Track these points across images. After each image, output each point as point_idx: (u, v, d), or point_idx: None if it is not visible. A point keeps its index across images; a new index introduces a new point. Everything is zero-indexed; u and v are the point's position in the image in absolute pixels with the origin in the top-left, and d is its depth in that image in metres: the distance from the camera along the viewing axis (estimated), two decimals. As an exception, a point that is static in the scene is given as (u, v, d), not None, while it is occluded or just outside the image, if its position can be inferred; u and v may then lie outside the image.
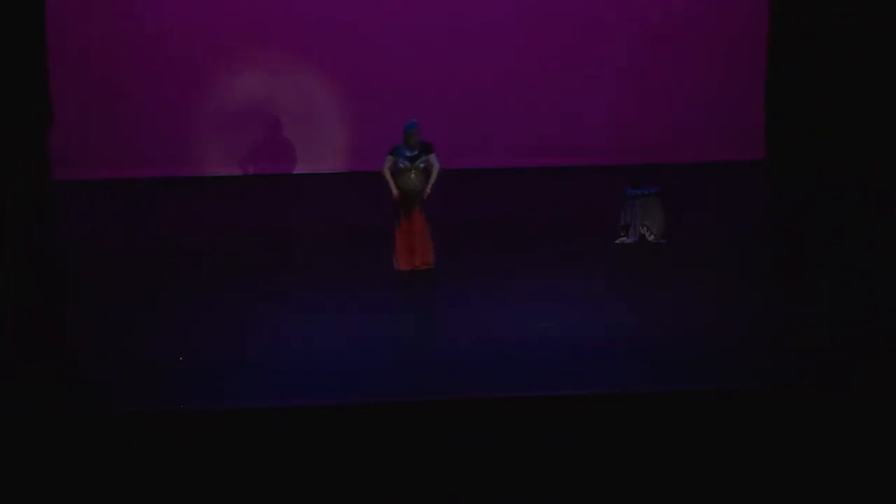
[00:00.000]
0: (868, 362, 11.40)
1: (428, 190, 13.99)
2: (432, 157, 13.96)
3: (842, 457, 10.40)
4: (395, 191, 13.94)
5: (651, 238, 15.15)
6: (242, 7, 18.61)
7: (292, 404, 10.74)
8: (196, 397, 10.99)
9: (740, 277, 14.25)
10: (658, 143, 18.86)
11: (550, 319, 12.61)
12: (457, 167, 18.23)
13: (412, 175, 13.92)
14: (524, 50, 18.81)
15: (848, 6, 16.75)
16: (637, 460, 10.38)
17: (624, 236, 15.19)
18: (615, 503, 10.21)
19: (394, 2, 18.72)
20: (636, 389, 10.93)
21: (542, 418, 10.60)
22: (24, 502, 10.16)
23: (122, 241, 15.80)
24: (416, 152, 13.91)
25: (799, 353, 11.67)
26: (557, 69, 18.83)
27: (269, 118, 18.79)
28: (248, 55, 18.66)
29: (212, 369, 11.58)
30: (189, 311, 13.15)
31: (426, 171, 13.96)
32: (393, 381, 11.34)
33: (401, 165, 13.93)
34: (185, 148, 18.75)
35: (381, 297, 13.70)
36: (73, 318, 13.53)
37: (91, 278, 14.48)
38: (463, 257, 14.79)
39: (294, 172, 18.86)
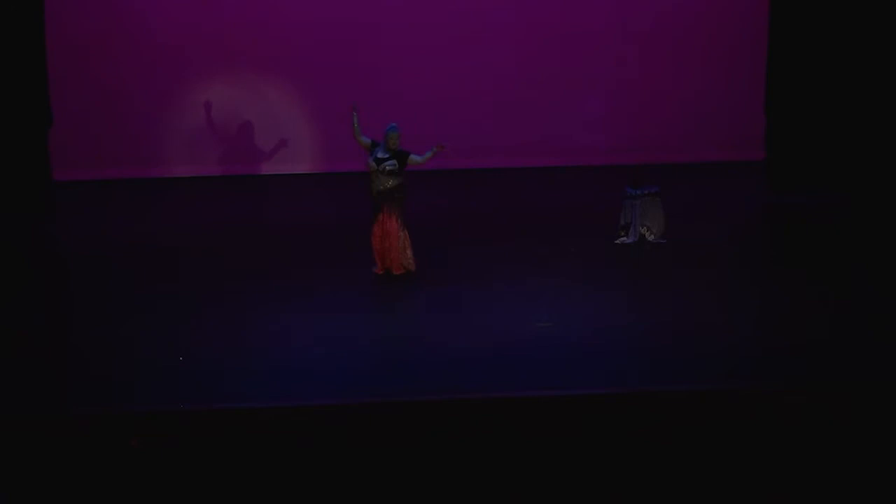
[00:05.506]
0: (868, 362, 11.41)
1: (429, 156, 13.84)
2: (413, 157, 13.77)
3: (842, 457, 10.40)
4: (359, 136, 13.80)
5: (651, 238, 15.16)
6: (242, 7, 18.62)
7: (291, 404, 10.75)
8: (196, 397, 11.00)
9: (740, 278, 14.25)
10: (658, 143, 18.88)
11: (550, 319, 12.62)
12: (456, 167, 18.33)
13: (377, 177, 13.81)
14: (524, 50, 18.81)
15: (848, 6, 16.73)
16: (636, 460, 10.39)
17: (624, 236, 15.19)
18: (614, 503, 10.21)
19: (391, 2, 18.72)
20: (636, 389, 10.93)
21: (542, 418, 10.60)
22: (25, 502, 10.16)
23: (122, 241, 15.81)
24: (387, 155, 13.80)
25: (799, 352, 11.68)
26: (557, 69, 18.84)
27: (269, 118, 18.79)
28: (249, 55, 18.67)
29: (212, 369, 11.58)
30: (189, 310, 13.16)
31: (393, 176, 13.77)
32: (393, 381, 11.35)
33: (369, 164, 13.81)
34: (185, 148, 18.76)
35: (381, 296, 13.72)
36: (72, 318, 13.54)
37: (91, 278, 14.48)
38: (462, 257, 14.80)
39: (297, 172, 18.88)
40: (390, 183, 13.78)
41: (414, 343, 12.30)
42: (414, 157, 13.77)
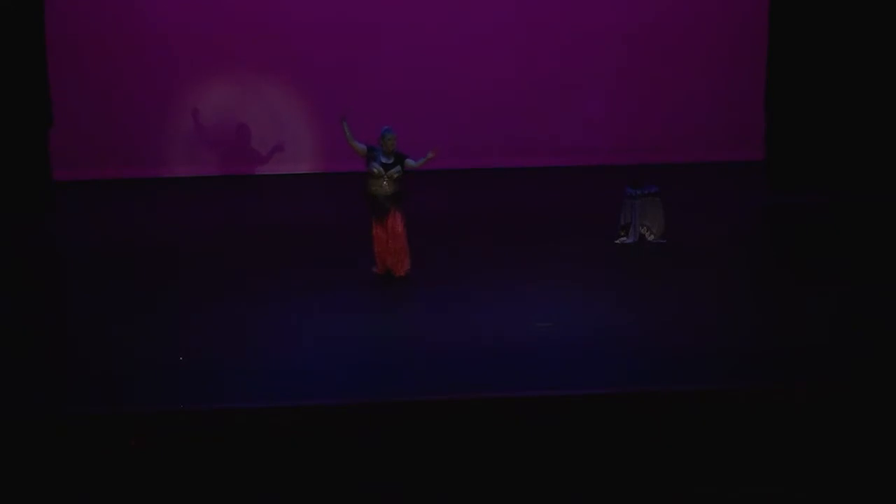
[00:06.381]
0: (868, 362, 11.40)
1: (422, 162, 13.79)
2: (408, 162, 13.76)
3: (841, 457, 10.40)
4: (353, 143, 13.80)
5: (651, 238, 15.16)
6: (243, 8, 18.62)
7: (291, 404, 10.75)
8: (196, 397, 10.99)
9: (740, 277, 14.26)
10: (658, 143, 18.87)
11: (549, 319, 12.62)
12: (456, 167, 18.33)
13: (384, 182, 13.78)
14: (524, 50, 18.81)
15: (848, 6, 16.73)
16: (636, 460, 10.39)
17: (624, 236, 15.19)
18: (614, 503, 10.21)
19: (391, 2, 18.73)
20: (636, 389, 10.93)
21: (542, 418, 10.60)
22: (25, 502, 10.16)
23: (121, 241, 15.81)
24: (391, 160, 13.77)
25: (799, 352, 11.68)
26: (557, 69, 18.84)
27: (269, 118, 18.80)
28: (249, 55, 18.67)
29: (212, 369, 11.58)
30: (189, 310, 13.16)
31: (399, 181, 13.80)
32: (393, 381, 11.35)
33: (374, 170, 13.77)
34: (185, 148, 18.76)
35: (381, 296, 13.71)
36: (72, 317, 13.54)
37: (91, 278, 14.49)
38: (462, 257, 14.81)
39: (297, 172, 18.88)
40: (396, 187, 13.77)
41: (414, 343, 12.29)
42: (409, 162, 13.75)
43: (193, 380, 11.35)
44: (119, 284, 14.05)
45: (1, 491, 10.15)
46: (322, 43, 18.64)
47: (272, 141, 18.87)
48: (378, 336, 12.51)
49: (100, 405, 10.82)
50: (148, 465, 10.32)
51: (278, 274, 14.29)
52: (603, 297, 13.42)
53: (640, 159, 18.52)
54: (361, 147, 13.78)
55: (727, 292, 13.60)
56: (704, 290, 13.58)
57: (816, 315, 12.76)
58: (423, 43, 18.73)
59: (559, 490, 10.21)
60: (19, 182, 16.81)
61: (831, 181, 16.99)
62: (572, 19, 18.77)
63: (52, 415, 10.63)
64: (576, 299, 13.32)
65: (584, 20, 18.77)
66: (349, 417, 10.64)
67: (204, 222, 16.82)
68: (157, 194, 18.13)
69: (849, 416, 10.65)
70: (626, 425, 10.59)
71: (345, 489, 10.24)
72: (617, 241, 15.18)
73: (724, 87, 18.86)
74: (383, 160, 13.73)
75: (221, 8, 18.60)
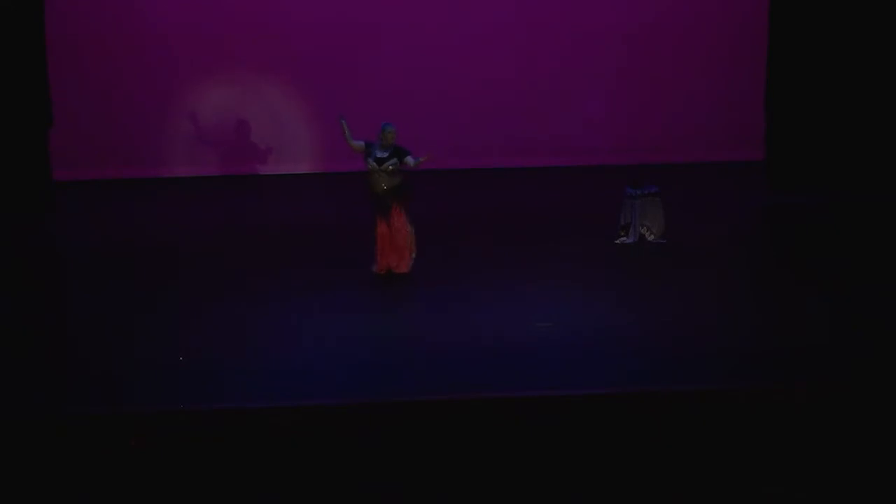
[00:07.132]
0: (868, 362, 11.40)
1: (418, 162, 13.74)
2: (408, 159, 13.74)
3: (841, 457, 10.40)
4: (351, 142, 13.78)
5: (651, 238, 15.16)
6: (242, 7, 18.62)
7: (291, 404, 10.75)
8: (196, 397, 10.99)
9: (740, 277, 14.25)
10: (658, 143, 18.88)
11: (549, 319, 12.61)
12: (456, 167, 18.34)
13: (379, 177, 13.76)
14: (524, 50, 18.82)
15: (848, 6, 16.74)
16: (636, 460, 10.39)
17: (624, 236, 15.19)
18: (614, 503, 10.22)
19: (391, 2, 18.73)
20: (636, 389, 10.93)
21: (542, 418, 10.60)
22: (25, 503, 10.16)
23: (121, 241, 15.81)
24: (386, 154, 13.77)
25: (799, 352, 11.67)
26: (557, 69, 18.84)
27: (269, 118, 18.80)
28: (249, 55, 18.67)
29: (212, 369, 11.58)
30: (189, 310, 13.16)
31: (395, 174, 13.77)
32: (393, 381, 11.35)
33: (370, 166, 13.77)
34: (185, 148, 18.76)
35: (381, 296, 13.71)
36: (72, 318, 13.54)
37: (91, 278, 14.48)
38: (462, 257, 14.81)
39: (297, 172, 18.88)
40: (394, 181, 13.76)
41: (414, 343, 12.29)
42: (409, 159, 13.72)
43: (193, 380, 11.35)
44: (119, 284, 14.05)
45: (1, 491, 10.15)
46: (322, 43, 18.65)
47: (272, 141, 18.88)
48: (378, 336, 12.51)
49: (100, 405, 10.82)
50: (148, 465, 10.32)
51: (278, 274, 14.29)
52: (603, 297, 13.42)
53: (640, 159, 18.53)
54: (360, 144, 13.78)
55: (727, 292, 13.60)
56: (704, 290, 13.58)
57: (816, 315, 12.76)
58: (423, 43, 18.74)
59: (559, 490, 10.21)
60: (19, 182, 16.82)
61: (831, 181, 16.99)
62: (572, 19, 18.78)
63: (52, 415, 10.63)
64: (576, 299, 13.32)
65: (584, 20, 18.78)
66: (349, 417, 10.64)
67: (204, 222, 16.83)
68: (157, 194, 18.14)
69: (849, 416, 10.65)
70: (626, 425, 10.58)
71: (345, 489, 10.24)
72: (617, 241, 15.18)
73: (724, 87, 18.86)
74: (378, 154, 13.71)
75: (221, 8, 18.61)
